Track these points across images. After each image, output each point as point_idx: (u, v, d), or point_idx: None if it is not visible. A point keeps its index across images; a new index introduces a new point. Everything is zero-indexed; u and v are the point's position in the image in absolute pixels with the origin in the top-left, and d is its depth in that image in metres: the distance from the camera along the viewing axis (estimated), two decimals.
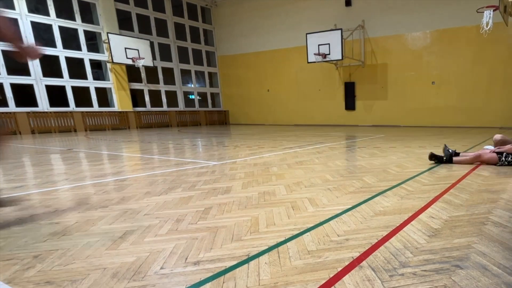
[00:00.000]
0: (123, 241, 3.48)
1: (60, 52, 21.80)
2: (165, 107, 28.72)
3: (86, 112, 23.24)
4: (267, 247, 3.26)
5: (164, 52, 28.42)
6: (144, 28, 26.62)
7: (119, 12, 24.85)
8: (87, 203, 4.95)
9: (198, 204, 4.78)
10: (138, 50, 24.35)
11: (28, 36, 20.23)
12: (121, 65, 24.60)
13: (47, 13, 21.12)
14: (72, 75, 22.43)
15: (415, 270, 2.73)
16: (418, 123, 23.66)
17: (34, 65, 20.56)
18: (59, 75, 21.91)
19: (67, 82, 22.19)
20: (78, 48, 22.91)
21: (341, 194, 5.23)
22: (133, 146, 13.32)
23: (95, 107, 23.92)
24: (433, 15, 22.01)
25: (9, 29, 3.78)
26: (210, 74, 32.53)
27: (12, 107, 19.98)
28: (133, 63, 24.23)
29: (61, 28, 21.83)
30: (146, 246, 3.34)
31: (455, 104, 22.26)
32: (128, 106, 25.52)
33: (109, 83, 24.81)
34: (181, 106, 30.17)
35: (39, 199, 5.26)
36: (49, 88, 21.43)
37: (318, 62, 23.19)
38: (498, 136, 8.34)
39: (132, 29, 25.85)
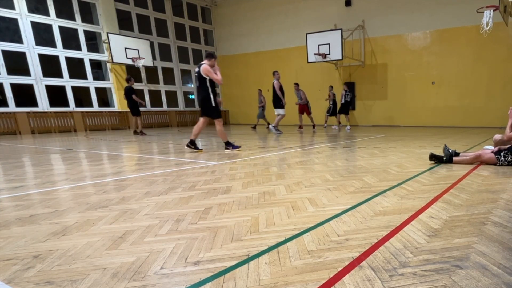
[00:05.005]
0: (123, 241, 3.49)
1: (60, 52, 21.79)
2: (165, 107, 28.74)
3: (86, 112, 23.26)
4: (267, 247, 3.26)
5: (164, 52, 28.45)
6: (144, 28, 26.65)
7: (119, 12, 24.86)
8: (87, 203, 4.95)
9: (198, 204, 4.79)
10: (138, 50, 24.38)
11: (28, 36, 20.32)
12: (121, 65, 24.63)
13: (47, 13, 21.12)
14: (72, 75, 22.44)
15: (415, 270, 2.74)
16: (418, 123, 23.69)
17: (34, 65, 20.58)
18: (59, 75, 21.93)
19: (67, 82, 22.21)
20: (78, 48, 22.90)
21: (341, 194, 5.24)
22: (133, 146, 13.31)
23: (95, 107, 23.93)
24: (433, 15, 22.03)
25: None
26: None
27: (12, 107, 19.98)
28: (133, 63, 24.25)
29: (61, 28, 21.83)
30: (146, 246, 3.35)
31: (455, 104, 22.27)
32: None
33: (109, 83, 24.83)
34: (181, 106, 30.21)
35: (39, 199, 5.26)
36: (49, 88, 21.45)
37: (318, 62, 23.23)
38: (498, 136, 8.34)
39: (132, 29, 25.87)
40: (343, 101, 21.45)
